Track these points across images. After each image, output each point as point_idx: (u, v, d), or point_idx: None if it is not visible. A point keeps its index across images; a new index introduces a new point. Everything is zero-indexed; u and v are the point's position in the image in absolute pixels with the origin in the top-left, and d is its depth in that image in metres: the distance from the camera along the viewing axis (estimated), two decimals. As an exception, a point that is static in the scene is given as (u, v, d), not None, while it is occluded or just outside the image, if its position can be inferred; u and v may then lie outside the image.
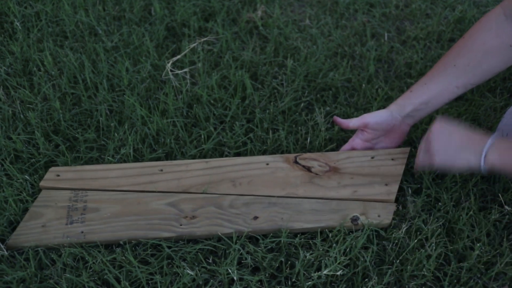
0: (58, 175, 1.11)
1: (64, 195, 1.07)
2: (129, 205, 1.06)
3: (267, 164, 1.15)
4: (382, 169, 1.14)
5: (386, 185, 1.11)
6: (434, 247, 1.02)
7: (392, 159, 1.16)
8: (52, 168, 1.12)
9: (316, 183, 1.12)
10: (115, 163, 1.15)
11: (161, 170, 1.13)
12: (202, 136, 1.21)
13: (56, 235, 1.01)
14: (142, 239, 1.01)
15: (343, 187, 1.11)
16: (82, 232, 1.01)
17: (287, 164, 1.15)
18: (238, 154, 1.20)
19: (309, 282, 0.96)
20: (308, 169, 1.14)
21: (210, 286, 0.97)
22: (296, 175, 1.13)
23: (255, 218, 1.05)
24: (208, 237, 1.03)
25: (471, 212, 1.07)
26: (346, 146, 1.19)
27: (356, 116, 1.23)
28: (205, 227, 1.03)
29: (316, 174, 1.13)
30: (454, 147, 1.00)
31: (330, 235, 1.03)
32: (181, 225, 1.03)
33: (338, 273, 0.97)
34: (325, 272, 0.97)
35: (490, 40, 1.08)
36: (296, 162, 1.15)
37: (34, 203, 1.06)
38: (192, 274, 0.96)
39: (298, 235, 1.03)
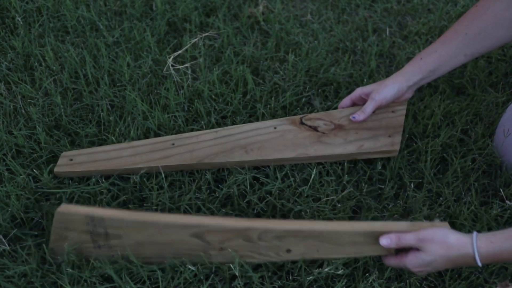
0: (71, 159, 1.10)
1: (80, 219, 0.94)
2: (152, 236, 0.95)
3: (275, 128, 1.17)
4: (384, 122, 1.17)
5: (390, 136, 1.15)
6: (435, 242, 1.02)
7: (393, 111, 1.19)
8: (64, 153, 1.12)
9: (324, 142, 1.14)
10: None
11: (173, 144, 1.13)
12: (204, 131, 1.21)
13: (88, 256, 0.96)
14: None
15: (349, 143, 1.14)
16: (113, 256, 0.96)
17: (294, 126, 1.17)
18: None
19: (310, 277, 0.97)
20: (315, 128, 1.16)
21: (211, 282, 0.97)
22: (304, 136, 1.15)
23: (288, 251, 0.96)
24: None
25: (472, 207, 1.07)
26: (345, 101, 1.21)
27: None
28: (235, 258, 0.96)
29: (323, 133, 1.15)
30: (451, 264, 0.91)
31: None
32: (211, 255, 0.97)
33: (339, 272, 0.97)
34: (326, 269, 0.97)
35: (501, 11, 1.11)
36: (302, 123, 1.17)
37: (54, 224, 0.94)
38: (194, 269, 0.96)
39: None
